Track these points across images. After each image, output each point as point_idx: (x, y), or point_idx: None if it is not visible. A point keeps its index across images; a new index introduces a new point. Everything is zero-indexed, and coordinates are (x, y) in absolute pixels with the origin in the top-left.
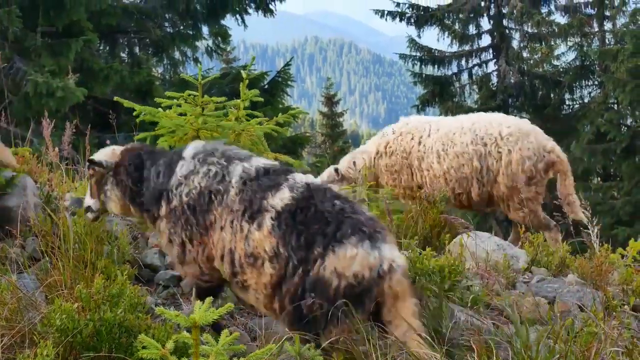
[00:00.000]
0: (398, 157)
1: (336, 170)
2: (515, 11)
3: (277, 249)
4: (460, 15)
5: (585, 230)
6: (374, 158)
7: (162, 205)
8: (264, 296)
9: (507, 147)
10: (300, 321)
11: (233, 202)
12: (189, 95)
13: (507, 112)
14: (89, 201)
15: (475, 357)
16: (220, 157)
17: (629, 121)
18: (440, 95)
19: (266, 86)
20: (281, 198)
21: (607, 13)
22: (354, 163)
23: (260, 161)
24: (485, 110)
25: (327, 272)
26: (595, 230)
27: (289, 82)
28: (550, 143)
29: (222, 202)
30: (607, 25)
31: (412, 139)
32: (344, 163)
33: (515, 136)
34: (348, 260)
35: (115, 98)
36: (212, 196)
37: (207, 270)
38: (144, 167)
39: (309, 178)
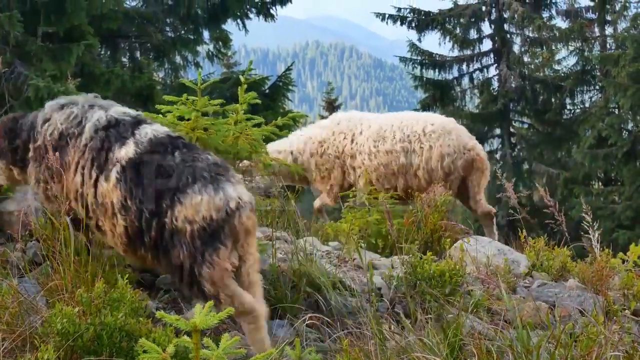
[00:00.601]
0: (330, 157)
1: None
2: (516, 16)
3: (125, 202)
4: (462, 20)
5: (586, 235)
6: (307, 157)
7: (29, 147)
8: (122, 244)
9: (429, 143)
10: (176, 270)
11: (85, 147)
12: (187, 99)
13: (508, 117)
14: None
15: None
16: (84, 101)
17: (630, 126)
18: (441, 100)
19: (267, 91)
20: (126, 152)
21: (608, 18)
22: (283, 155)
23: (118, 110)
24: (487, 115)
25: (179, 222)
26: (597, 235)
27: (290, 87)
28: (471, 142)
29: (75, 145)
30: (608, 30)
31: (345, 138)
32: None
33: (437, 133)
34: (195, 207)
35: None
36: (69, 139)
37: (69, 207)
38: (17, 127)
39: (155, 130)
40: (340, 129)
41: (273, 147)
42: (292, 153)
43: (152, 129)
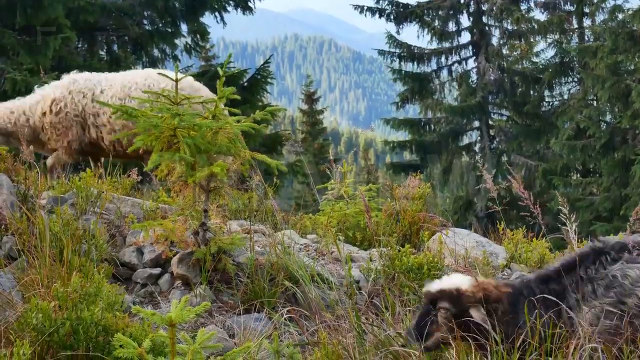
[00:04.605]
0: (70, 115)
1: None
2: (494, 8)
3: None
4: (440, 12)
5: (564, 227)
6: (39, 117)
7: None
8: None
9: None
10: None
11: None
12: (165, 92)
13: (486, 109)
14: None
15: (454, 355)
16: None
17: (608, 118)
18: (419, 93)
19: (245, 84)
20: None
21: (587, 10)
22: (16, 115)
23: None
24: (466, 107)
25: None
26: (574, 227)
27: (269, 80)
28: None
29: None
30: (587, 22)
31: (84, 97)
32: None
33: (187, 91)
34: None
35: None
36: None
37: None
38: None
39: None
40: (77, 87)
41: (5, 106)
42: (24, 113)
43: None
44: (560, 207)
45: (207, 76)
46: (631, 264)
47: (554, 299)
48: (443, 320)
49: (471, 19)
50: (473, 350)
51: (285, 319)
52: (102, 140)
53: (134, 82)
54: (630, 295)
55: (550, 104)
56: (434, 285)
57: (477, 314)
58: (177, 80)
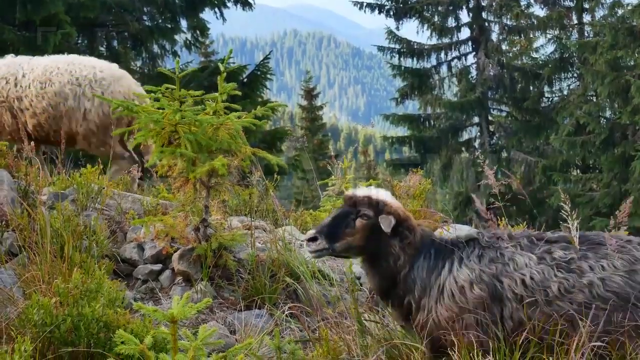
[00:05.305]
0: None
1: None
2: (494, 4)
3: None
4: (439, 8)
5: (565, 224)
6: None
7: None
8: None
9: (101, 89)
10: None
11: None
12: (167, 88)
13: (486, 105)
14: None
15: (456, 351)
16: None
17: (607, 113)
18: (419, 88)
19: (245, 80)
20: None
21: (586, 5)
22: None
23: None
24: (465, 103)
25: None
26: (575, 224)
27: (268, 76)
28: (139, 88)
29: None
30: (586, 18)
31: (7, 82)
32: None
33: (108, 80)
34: None
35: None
36: None
37: None
38: None
39: None
40: (0, 74)
41: None
42: None
43: None
44: (561, 204)
45: (206, 72)
46: (525, 251)
47: (448, 254)
48: (360, 226)
49: (471, 14)
50: (475, 348)
51: (286, 316)
52: (26, 125)
53: (56, 67)
54: (510, 277)
55: (550, 99)
56: (362, 190)
57: (384, 221)
58: (177, 76)
